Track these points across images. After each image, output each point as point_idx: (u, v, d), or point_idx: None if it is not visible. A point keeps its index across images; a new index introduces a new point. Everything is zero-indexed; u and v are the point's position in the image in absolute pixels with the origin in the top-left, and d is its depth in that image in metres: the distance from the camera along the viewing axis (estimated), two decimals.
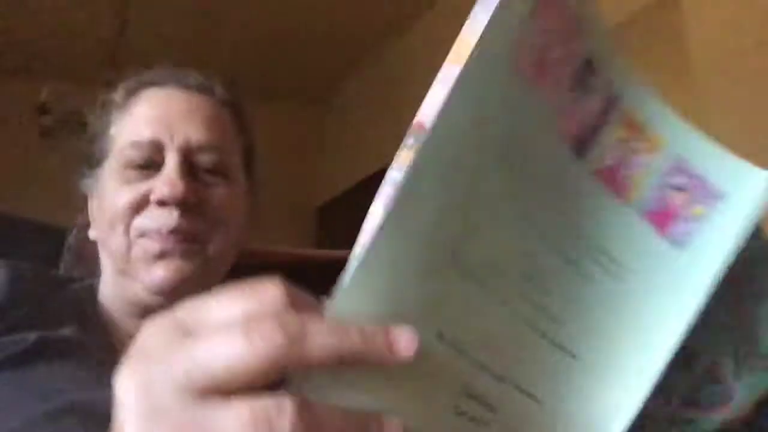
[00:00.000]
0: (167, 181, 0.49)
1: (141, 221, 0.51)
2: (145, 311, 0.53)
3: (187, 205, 0.50)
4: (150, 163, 0.51)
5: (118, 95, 0.57)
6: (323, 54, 4.05)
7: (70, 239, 0.67)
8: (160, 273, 0.50)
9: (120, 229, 0.51)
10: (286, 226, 4.33)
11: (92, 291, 0.57)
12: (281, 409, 0.18)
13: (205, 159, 0.52)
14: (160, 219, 0.50)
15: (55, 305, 0.50)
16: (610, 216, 0.27)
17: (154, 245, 0.50)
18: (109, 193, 0.53)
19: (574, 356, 0.26)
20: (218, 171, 0.53)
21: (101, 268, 0.59)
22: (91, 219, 0.59)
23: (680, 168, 0.29)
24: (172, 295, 0.50)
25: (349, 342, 0.19)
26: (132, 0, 2.97)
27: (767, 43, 1.90)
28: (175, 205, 0.49)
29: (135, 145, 0.51)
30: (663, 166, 0.28)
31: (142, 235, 0.51)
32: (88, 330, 0.50)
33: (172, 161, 0.51)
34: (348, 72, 4.36)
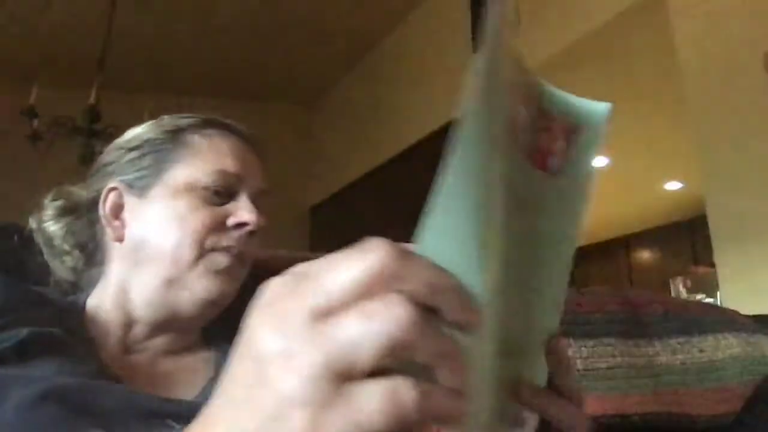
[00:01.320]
0: (251, 209, 0.59)
1: (215, 239, 0.58)
2: (173, 321, 0.58)
3: (254, 232, 0.59)
4: (227, 192, 0.60)
5: (187, 122, 0.63)
6: (315, 57, 4.05)
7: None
8: (218, 286, 0.57)
9: (191, 241, 0.57)
10: (281, 225, 4.32)
11: (75, 306, 0.59)
12: (405, 386, 0.20)
13: (261, 202, 0.62)
14: (233, 239, 0.58)
15: (41, 314, 0.53)
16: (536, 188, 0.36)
17: (224, 260, 0.58)
18: (182, 206, 0.58)
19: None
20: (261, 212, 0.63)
21: (110, 276, 0.60)
22: (111, 217, 0.60)
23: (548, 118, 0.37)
24: (214, 306, 0.58)
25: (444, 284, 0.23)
26: (119, 3, 2.95)
27: (753, 40, 1.92)
28: (250, 230, 0.59)
29: (222, 173, 0.60)
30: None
31: (214, 250, 0.58)
32: (72, 337, 0.53)
33: (247, 196, 0.60)
34: (339, 75, 4.36)
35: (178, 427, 0.46)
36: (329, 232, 4.20)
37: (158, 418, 0.47)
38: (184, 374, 0.58)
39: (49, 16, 3.37)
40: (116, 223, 0.60)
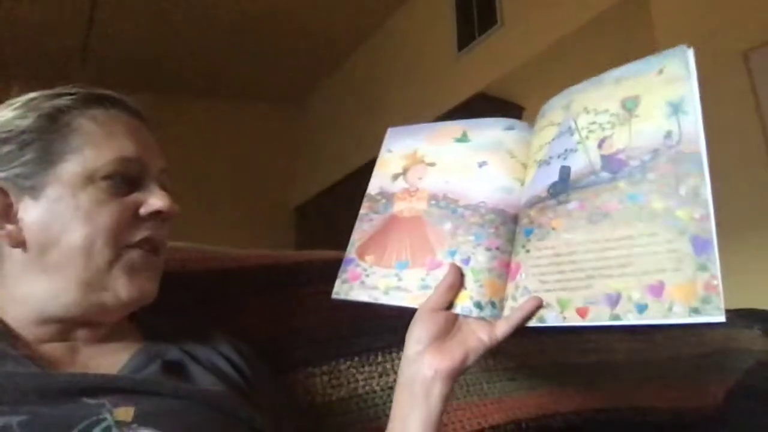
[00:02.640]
0: (162, 196, 0.56)
1: (130, 233, 0.54)
2: (96, 317, 0.55)
3: (169, 219, 0.56)
4: (134, 179, 0.55)
5: (66, 102, 0.56)
6: (299, 56, 4.03)
7: None
8: (139, 286, 0.54)
9: (104, 240, 0.53)
10: (265, 225, 4.31)
11: None
12: None
13: (165, 181, 0.59)
14: (150, 230, 0.55)
15: None
16: None
17: (140, 260, 0.54)
18: (85, 202, 0.53)
19: None
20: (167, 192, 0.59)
21: (9, 282, 0.54)
22: (1, 221, 0.53)
23: None
24: (138, 304, 0.56)
25: None
26: (100, 0, 2.92)
27: (733, 38, 1.95)
28: (163, 218, 0.56)
29: (122, 160, 0.55)
30: None
31: (130, 246, 0.54)
32: None
33: (155, 179, 0.57)
34: (324, 73, 4.35)
35: (92, 402, 0.44)
36: (315, 232, 4.19)
37: (69, 396, 0.45)
38: (107, 356, 0.55)
39: (32, 13, 3.31)
40: (9, 227, 0.53)
